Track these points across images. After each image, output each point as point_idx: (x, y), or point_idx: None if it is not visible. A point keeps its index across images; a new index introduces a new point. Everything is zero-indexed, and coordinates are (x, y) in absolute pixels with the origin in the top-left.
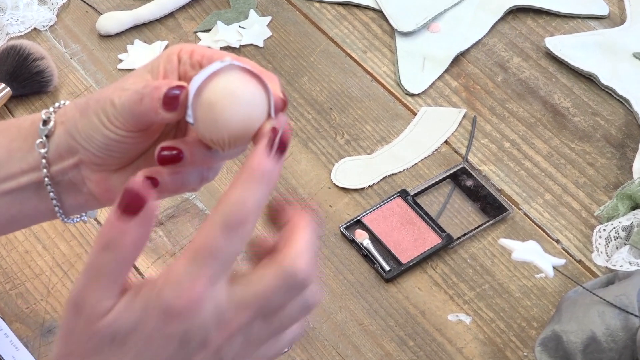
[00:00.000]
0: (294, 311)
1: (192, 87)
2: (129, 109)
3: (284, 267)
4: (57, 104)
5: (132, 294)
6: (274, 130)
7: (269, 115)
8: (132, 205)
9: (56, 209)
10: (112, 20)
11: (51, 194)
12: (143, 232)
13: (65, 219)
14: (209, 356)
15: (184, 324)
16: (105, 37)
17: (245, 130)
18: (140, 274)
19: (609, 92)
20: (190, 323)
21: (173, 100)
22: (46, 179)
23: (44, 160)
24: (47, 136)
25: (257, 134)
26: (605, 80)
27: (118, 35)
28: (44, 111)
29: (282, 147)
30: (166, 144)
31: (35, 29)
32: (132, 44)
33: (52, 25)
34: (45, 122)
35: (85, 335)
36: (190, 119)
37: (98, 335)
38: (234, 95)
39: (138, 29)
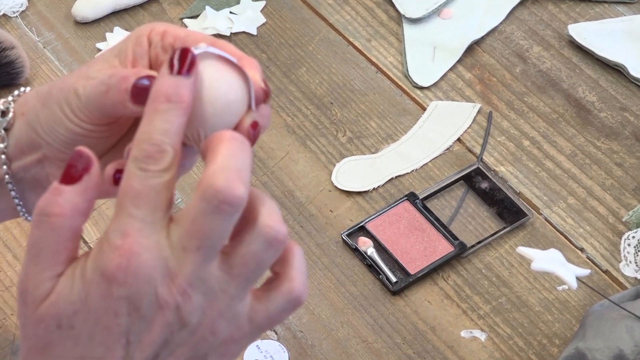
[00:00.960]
0: (256, 250)
1: None
2: (94, 100)
3: (202, 187)
4: (16, 92)
5: (70, 270)
6: (254, 125)
7: (249, 107)
8: (72, 171)
9: (18, 207)
10: (90, 6)
11: (12, 192)
12: (83, 202)
13: (29, 217)
14: (170, 320)
15: (126, 286)
16: (82, 24)
17: (223, 126)
18: None
19: (638, 85)
20: (132, 283)
21: (142, 92)
22: (7, 176)
23: (3, 156)
24: (6, 129)
25: (236, 128)
26: (634, 71)
27: (96, 21)
28: (1, 100)
29: (183, 62)
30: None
31: (4, 15)
32: (112, 31)
33: (23, 11)
34: (3, 113)
35: (33, 324)
36: None
37: (43, 323)
38: (209, 88)
39: (118, 15)
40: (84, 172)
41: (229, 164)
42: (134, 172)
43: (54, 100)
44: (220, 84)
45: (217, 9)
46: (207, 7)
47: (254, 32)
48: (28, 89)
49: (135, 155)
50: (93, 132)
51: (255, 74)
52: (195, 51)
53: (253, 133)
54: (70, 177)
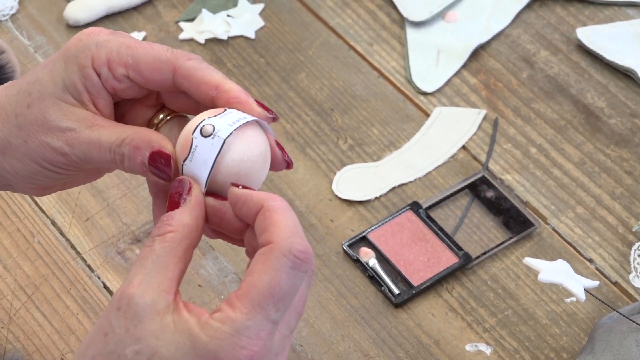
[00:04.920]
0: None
1: (201, 174)
2: (92, 159)
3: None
4: None
5: (179, 321)
6: (279, 146)
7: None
8: (175, 197)
9: None
10: (82, 8)
11: None
12: (191, 219)
13: None
14: None
15: None
16: (74, 27)
17: (266, 172)
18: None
19: None
20: None
21: (161, 164)
22: None
23: None
24: None
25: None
26: None
27: (89, 25)
28: None
29: None
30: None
31: None
32: None
33: (13, 14)
34: None
35: (126, 340)
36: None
37: (137, 344)
38: (251, 158)
39: (112, 19)
40: (187, 195)
41: (295, 228)
42: (287, 271)
43: (22, 152)
44: (251, 147)
45: (214, 12)
46: (204, 10)
47: (252, 36)
48: None
49: (289, 251)
50: (79, 172)
51: (254, 107)
52: (213, 143)
53: (285, 155)
54: (175, 203)
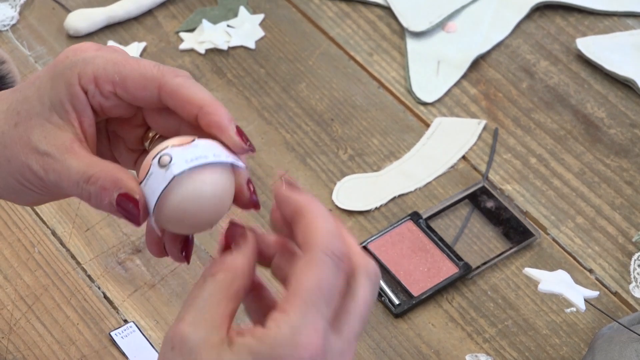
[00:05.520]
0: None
1: (150, 201)
2: (63, 189)
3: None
4: None
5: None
6: (248, 183)
7: (236, 168)
8: (229, 241)
9: None
10: (83, 19)
11: None
12: (244, 263)
13: None
14: None
15: None
16: (74, 37)
17: (226, 209)
18: (114, 307)
19: None
20: None
21: (129, 208)
22: None
23: None
24: None
25: (236, 196)
26: None
27: (89, 35)
28: None
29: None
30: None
31: None
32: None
33: (14, 25)
34: None
35: None
36: (154, 226)
37: None
38: (200, 199)
39: (112, 29)
40: (241, 239)
41: (335, 231)
42: (330, 268)
43: (6, 170)
44: (204, 188)
45: (214, 23)
46: (204, 21)
47: (252, 46)
48: None
49: (329, 249)
50: (58, 195)
51: (231, 135)
52: (176, 172)
53: (252, 195)
54: (228, 245)
